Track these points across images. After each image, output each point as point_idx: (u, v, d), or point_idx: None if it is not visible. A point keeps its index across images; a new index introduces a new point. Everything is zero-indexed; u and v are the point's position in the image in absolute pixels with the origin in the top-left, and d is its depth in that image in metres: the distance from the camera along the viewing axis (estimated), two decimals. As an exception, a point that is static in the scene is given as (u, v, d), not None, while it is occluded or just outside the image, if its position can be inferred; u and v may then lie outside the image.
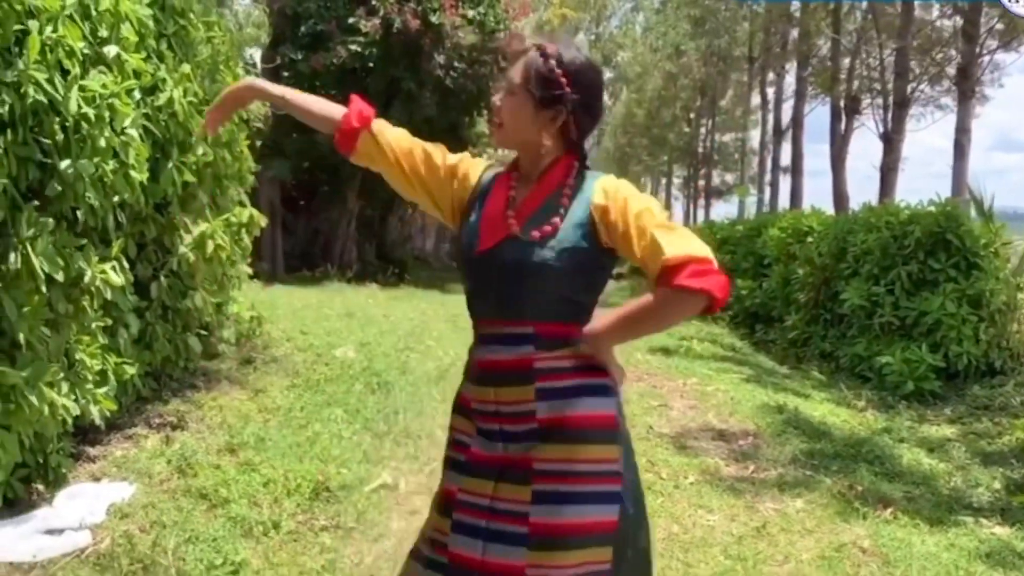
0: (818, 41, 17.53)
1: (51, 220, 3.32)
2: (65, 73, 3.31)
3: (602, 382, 1.86)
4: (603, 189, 1.83)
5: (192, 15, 4.89)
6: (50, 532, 3.28)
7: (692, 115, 39.24)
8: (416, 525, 3.67)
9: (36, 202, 3.28)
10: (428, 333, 8.12)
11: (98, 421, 3.90)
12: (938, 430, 6.29)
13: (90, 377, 3.83)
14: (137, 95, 4.00)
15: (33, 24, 3.10)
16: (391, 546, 3.49)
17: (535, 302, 1.81)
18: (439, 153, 2.01)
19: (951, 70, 13.27)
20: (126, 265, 4.14)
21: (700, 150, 39.87)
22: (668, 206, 50.83)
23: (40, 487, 3.63)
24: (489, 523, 1.78)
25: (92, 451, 4.14)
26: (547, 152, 1.86)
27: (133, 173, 3.84)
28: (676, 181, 49.42)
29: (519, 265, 1.79)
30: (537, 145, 1.86)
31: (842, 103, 16.01)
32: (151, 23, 4.27)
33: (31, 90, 3.04)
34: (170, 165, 4.46)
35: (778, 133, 22.35)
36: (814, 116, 39.30)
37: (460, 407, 1.98)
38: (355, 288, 12.76)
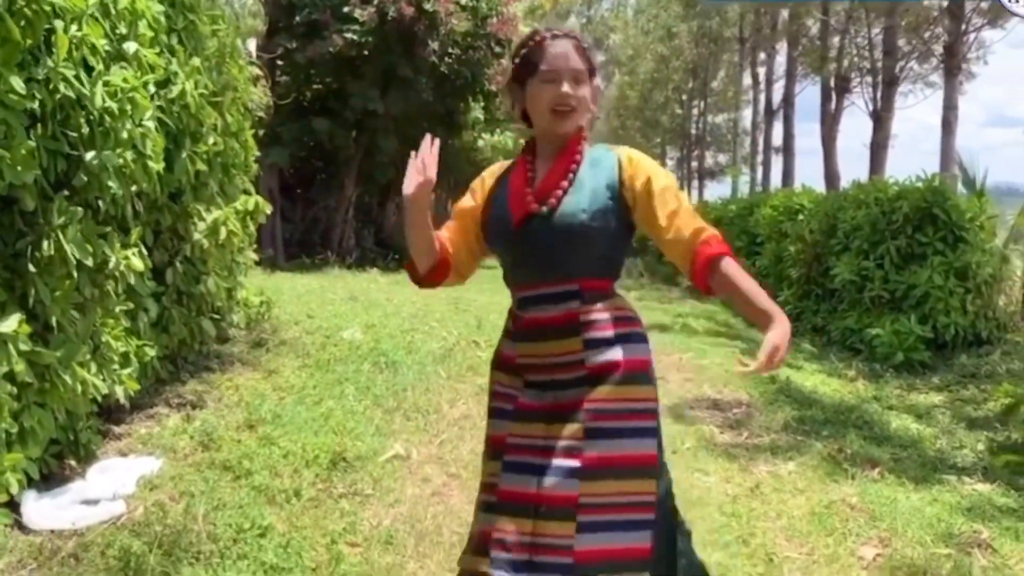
0: (807, 21, 17.68)
1: (80, 209, 3.51)
2: (89, 69, 3.50)
3: (638, 331, 2.15)
4: (628, 158, 2.12)
5: (200, 10, 5.07)
6: (86, 503, 3.48)
7: (684, 97, 39.32)
8: (428, 492, 3.93)
9: (66, 192, 3.47)
10: (431, 315, 8.32)
11: (123, 400, 4.11)
12: (926, 398, 6.53)
13: (115, 358, 4.05)
14: (151, 88, 4.18)
15: (58, 23, 3.28)
16: (406, 510, 3.72)
17: (577, 262, 2.07)
18: (458, 212, 2.25)
19: (939, 48, 13.43)
20: (144, 252, 4.35)
21: (693, 131, 40.00)
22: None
23: (72, 463, 3.83)
24: (543, 460, 1.99)
25: (117, 429, 4.34)
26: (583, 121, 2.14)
27: (150, 163, 4.02)
28: (669, 163, 49.46)
29: (557, 231, 2.04)
30: (589, 119, 2.16)
31: (832, 82, 16.19)
32: (163, 19, 4.46)
33: (61, 86, 3.22)
34: (184, 155, 4.64)
35: (769, 113, 22.53)
36: (805, 96, 39.40)
37: (503, 364, 2.19)
38: (356, 274, 12.94)
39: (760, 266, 11.40)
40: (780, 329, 1.95)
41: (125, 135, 3.68)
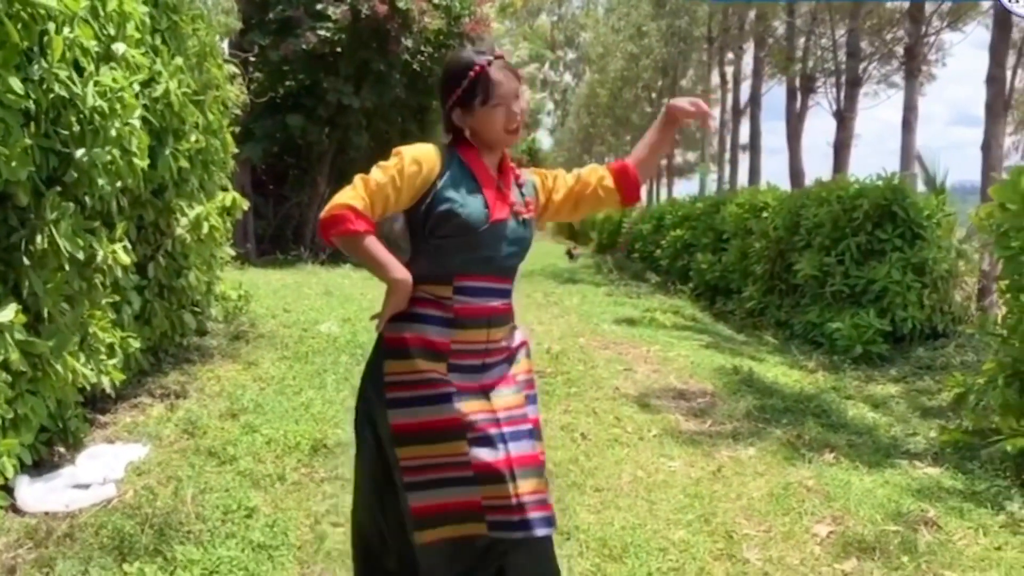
0: (774, 23, 17.99)
1: (71, 204, 3.65)
2: (80, 70, 3.63)
3: None
4: (540, 176, 2.55)
5: (182, 11, 5.20)
6: (78, 487, 3.63)
7: (654, 95, 39.60)
8: (407, 477, 4.08)
9: (58, 188, 3.61)
10: (404, 309, 8.48)
11: (109, 390, 4.26)
12: (883, 388, 6.78)
13: (102, 349, 4.19)
14: (136, 87, 4.31)
15: (52, 26, 3.41)
16: (386, 494, 3.88)
17: (517, 263, 2.39)
18: (397, 189, 2.25)
19: (900, 50, 13.76)
20: (128, 246, 4.48)
21: (662, 129, 40.22)
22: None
23: (61, 449, 3.97)
24: (500, 430, 2.24)
25: (103, 418, 4.48)
26: None
27: (136, 160, 4.16)
28: (639, 160, 49.76)
29: (522, 238, 2.35)
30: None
31: (797, 82, 16.52)
32: (148, 20, 4.59)
33: (55, 86, 3.36)
34: (167, 152, 4.79)
35: (737, 112, 22.85)
36: (772, 95, 39.96)
37: (428, 351, 2.26)
38: (329, 270, 13.04)
39: (726, 262, 11.65)
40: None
41: (113, 133, 3.82)
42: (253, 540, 3.25)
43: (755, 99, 19.69)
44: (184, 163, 4.98)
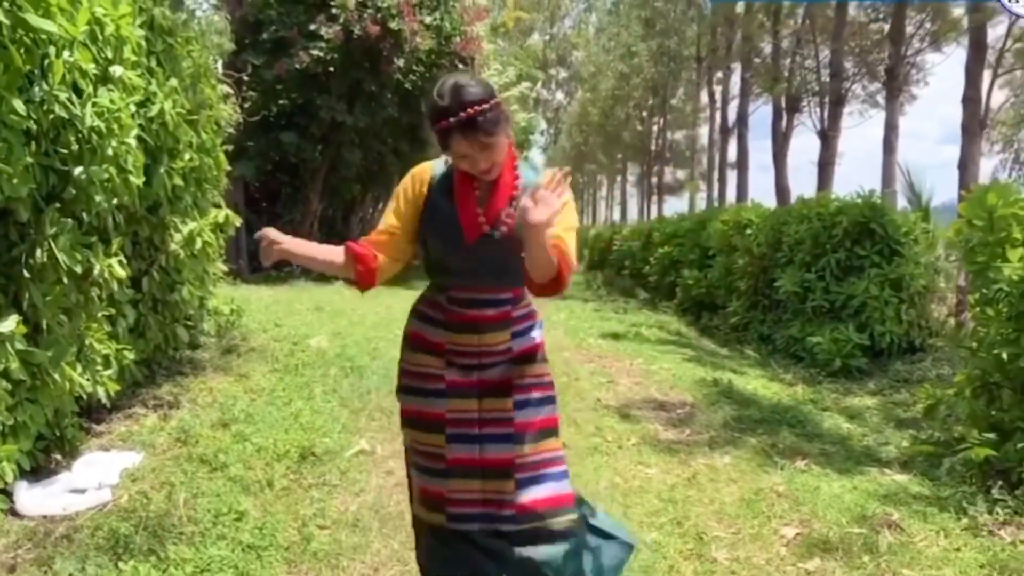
0: (760, 44, 18.28)
1: (69, 220, 3.81)
2: (79, 92, 3.80)
3: (539, 320, 2.56)
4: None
5: (176, 33, 5.38)
6: (74, 491, 3.77)
7: (645, 114, 40.02)
8: (392, 483, 4.25)
9: (57, 204, 3.77)
10: (394, 323, 8.61)
11: (104, 400, 4.39)
12: (860, 401, 6.95)
13: (98, 360, 4.33)
14: (132, 108, 4.48)
15: (51, 50, 3.58)
16: (371, 498, 4.03)
17: (514, 275, 2.35)
18: (393, 213, 2.42)
19: (882, 71, 14.03)
20: (123, 261, 4.63)
21: (653, 148, 40.70)
22: (623, 203, 51.66)
23: (58, 457, 4.11)
24: (481, 430, 2.38)
25: (98, 427, 4.62)
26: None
27: (132, 178, 4.32)
28: (631, 178, 50.28)
29: (505, 251, 2.32)
30: (506, 161, 2.36)
31: (783, 102, 16.80)
32: (143, 42, 4.76)
33: (56, 108, 3.53)
34: (162, 170, 4.95)
35: (725, 131, 23.16)
36: (759, 114, 40.37)
37: (426, 348, 2.47)
38: (320, 286, 13.17)
39: (712, 278, 11.83)
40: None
41: (110, 152, 3.98)
42: (243, 541, 3.39)
43: (742, 118, 19.99)
44: (178, 181, 5.14)
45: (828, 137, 14.21)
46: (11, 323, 3.37)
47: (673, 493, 4.28)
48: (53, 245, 3.68)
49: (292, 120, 15.53)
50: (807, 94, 16.48)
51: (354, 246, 2.38)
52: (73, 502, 3.66)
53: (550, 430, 2.48)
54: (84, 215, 4.09)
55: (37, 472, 3.90)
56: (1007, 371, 4.83)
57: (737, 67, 20.64)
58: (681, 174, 41.42)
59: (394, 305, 11.02)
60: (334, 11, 14.44)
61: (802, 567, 3.48)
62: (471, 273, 2.41)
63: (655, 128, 40.31)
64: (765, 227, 10.14)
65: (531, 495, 2.37)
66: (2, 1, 3.17)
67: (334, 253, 2.43)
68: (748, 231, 10.73)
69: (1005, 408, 4.86)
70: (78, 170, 3.81)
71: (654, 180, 41.58)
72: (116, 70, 4.14)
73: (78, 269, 3.84)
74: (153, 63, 5.04)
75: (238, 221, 6.46)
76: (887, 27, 13.16)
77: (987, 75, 11.73)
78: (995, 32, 12.79)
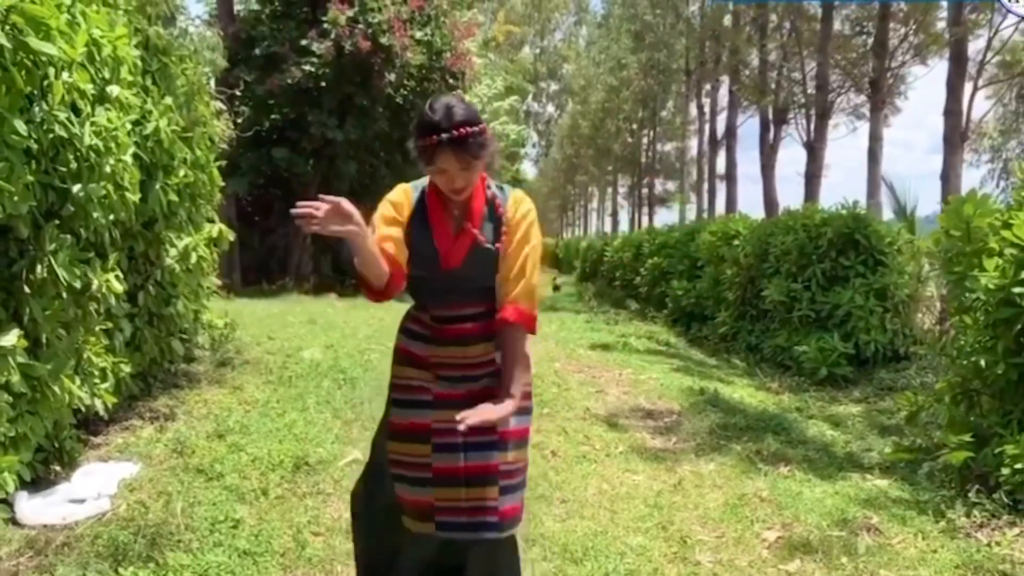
0: (747, 57, 18.50)
1: (68, 236, 3.91)
2: (77, 111, 3.91)
3: None
4: (514, 201, 2.51)
5: (171, 52, 5.50)
6: (73, 501, 3.85)
7: (634, 126, 40.26)
8: (384, 491, 4.31)
9: (56, 221, 3.87)
10: (386, 336, 8.72)
11: (102, 412, 4.49)
12: (845, 408, 7.07)
13: (96, 373, 4.42)
14: (129, 126, 4.59)
15: (51, 71, 3.69)
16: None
17: (489, 290, 2.48)
18: (391, 222, 2.46)
19: (867, 84, 14.22)
20: (120, 275, 4.73)
21: (643, 159, 40.94)
22: (614, 214, 51.87)
23: (56, 468, 4.19)
24: (466, 439, 2.42)
25: (95, 439, 4.71)
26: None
27: (128, 194, 4.42)
28: (621, 190, 50.50)
29: (477, 269, 2.45)
30: (476, 184, 2.46)
31: (770, 114, 16.99)
32: (139, 62, 4.88)
33: (56, 127, 3.63)
34: (157, 186, 5.05)
35: (714, 143, 23.36)
36: (748, 126, 40.67)
37: (413, 362, 2.56)
38: (314, 299, 13.29)
39: (700, 289, 11.97)
40: (502, 407, 2.34)
41: (108, 169, 4.08)
42: (239, 548, 3.48)
43: (731, 130, 20.19)
44: (173, 197, 5.25)
45: (814, 149, 14.40)
46: (12, 337, 3.46)
47: (659, 499, 4.39)
48: (52, 261, 3.78)
49: (284, 135, 15.66)
50: (794, 106, 16.69)
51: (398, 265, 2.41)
52: (73, 511, 3.74)
53: (526, 440, 2.58)
54: (82, 231, 4.18)
55: (37, 483, 3.97)
56: (985, 377, 4.96)
57: (725, 80, 20.86)
58: (671, 185, 41.64)
59: (385, 318, 11.12)
60: (325, 27, 14.59)
61: (783, 569, 3.59)
62: (450, 293, 2.51)
63: (645, 140, 40.57)
64: (752, 238, 10.28)
65: (508, 502, 2.46)
66: (4, 25, 3.28)
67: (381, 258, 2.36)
68: (736, 242, 10.87)
69: (983, 414, 4.98)
70: (76, 187, 3.90)
71: (644, 191, 41.83)
72: (113, 90, 4.24)
73: (77, 284, 3.94)
74: (149, 82, 5.16)
75: (232, 235, 6.57)
76: (871, 40, 13.34)
77: (968, 87, 11.95)
78: (975, 45, 13.07)
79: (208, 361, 6.48)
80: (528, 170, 54.13)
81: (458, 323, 2.52)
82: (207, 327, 6.82)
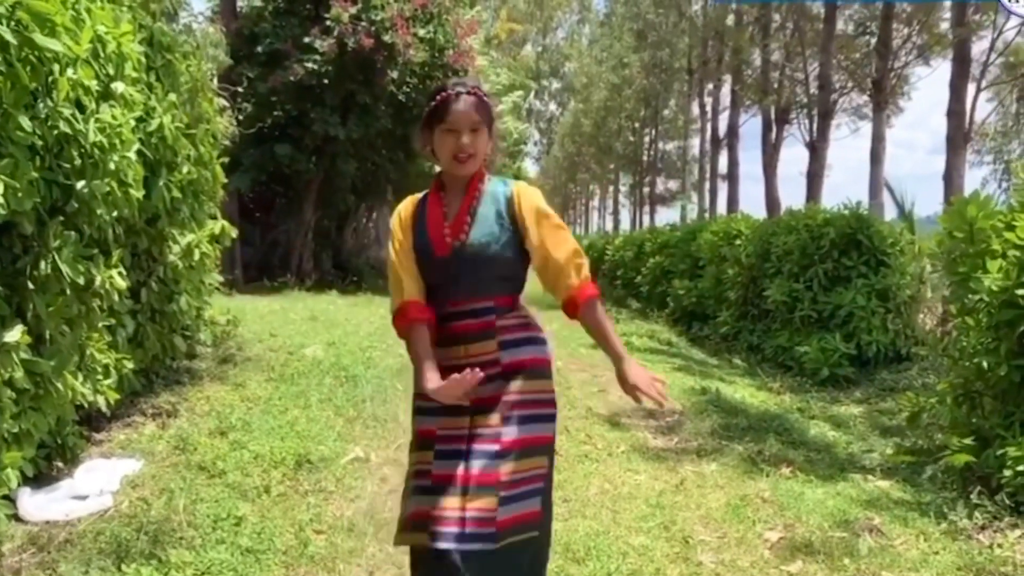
0: (750, 56, 18.48)
1: (72, 233, 3.91)
2: (82, 108, 3.91)
3: (540, 335, 2.60)
4: (518, 192, 2.53)
5: (175, 49, 5.49)
6: (76, 498, 3.86)
7: (636, 125, 40.23)
8: (386, 490, 4.35)
9: (60, 217, 3.87)
10: (388, 334, 8.66)
11: (104, 409, 4.48)
12: (846, 409, 7.07)
13: (99, 369, 4.42)
14: (133, 123, 4.58)
15: (56, 68, 3.69)
16: (366, 504, 4.13)
17: (489, 284, 2.49)
18: (399, 248, 2.57)
19: (869, 84, 14.21)
20: (123, 272, 4.73)
21: (645, 158, 40.92)
22: (616, 213, 51.86)
23: (59, 464, 4.20)
24: (469, 446, 2.39)
25: (98, 436, 4.71)
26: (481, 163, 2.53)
27: (132, 191, 4.42)
28: (623, 188, 50.46)
29: (471, 259, 2.46)
30: (484, 162, 2.54)
31: (772, 114, 16.98)
32: (143, 59, 4.88)
33: (61, 124, 3.63)
34: (161, 183, 5.05)
35: (716, 142, 23.34)
36: (750, 125, 40.69)
37: None
38: (315, 296, 13.28)
39: (702, 288, 11.97)
40: (634, 367, 2.47)
41: (112, 166, 4.08)
42: (241, 545, 3.49)
43: (733, 130, 20.19)
44: (176, 193, 5.24)
45: (817, 149, 14.39)
46: (16, 333, 3.46)
47: (661, 499, 4.39)
48: (56, 257, 3.77)
49: (286, 132, 15.64)
50: (796, 106, 16.67)
51: (413, 314, 2.51)
52: (75, 508, 3.75)
53: (543, 448, 2.50)
54: (86, 228, 4.18)
55: (39, 479, 3.98)
56: (987, 379, 4.96)
57: (728, 79, 20.85)
58: (673, 184, 41.62)
59: (387, 315, 11.11)
60: (328, 24, 14.57)
61: (785, 570, 3.59)
62: (447, 286, 2.51)
63: (647, 139, 40.54)
64: (754, 238, 10.28)
65: (509, 512, 2.37)
66: (9, 21, 3.28)
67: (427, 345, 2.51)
68: (738, 242, 10.87)
69: (985, 415, 4.99)
70: (80, 184, 3.90)
71: (646, 190, 41.81)
72: (118, 86, 4.24)
73: (80, 281, 3.94)
74: (153, 78, 5.15)
75: (234, 232, 6.57)
76: (874, 40, 13.33)
77: (971, 88, 11.94)
78: (980, 46, 13.06)
79: (210, 358, 6.48)
80: (530, 168, 54.11)
81: (458, 319, 2.50)
82: (209, 324, 6.82)
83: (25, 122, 3.37)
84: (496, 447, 2.39)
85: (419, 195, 2.65)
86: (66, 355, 3.94)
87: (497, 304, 2.51)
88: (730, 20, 20.16)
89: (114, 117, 4.08)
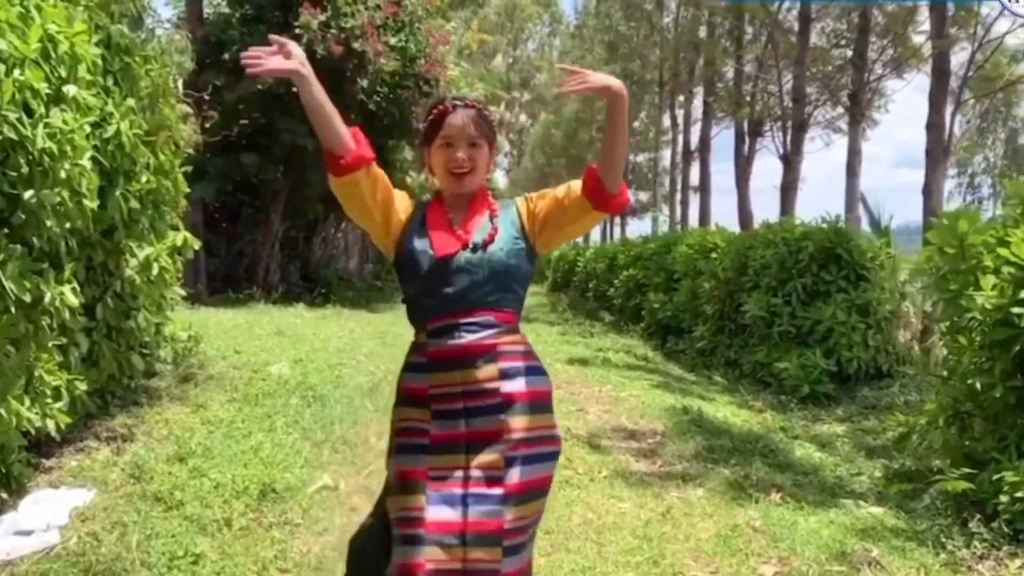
0: (723, 68, 18.46)
1: (18, 246, 3.62)
2: (30, 112, 3.63)
3: (541, 364, 2.39)
4: (523, 200, 2.44)
5: (135, 52, 5.21)
6: (19, 533, 3.56)
7: (607, 136, 40.17)
8: (356, 521, 4.04)
9: (5, 230, 3.58)
10: (358, 349, 8.46)
11: (54, 433, 4.18)
12: (829, 428, 6.92)
13: (48, 392, 4.12)
14: (87, 129, 4.31)
15: (1, 68, 3.41)
16: (335, 539, 3.86)
17: (495, 296, 2.29)
18: (388, 183, 2.40)
19: (844, 97, 14.20)
20: (76, 288, 4.44)
21: (616, 170, 40.80)
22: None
23: (3, 495, 3.89)
24: (466, 490, 2.16)
25: (47, 462, 4.40)
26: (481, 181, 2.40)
27: (85, 201, 4.14)
28: (594, 200, 50.31)
29: (484, 267, 2.28)
30: (485, 179, 2.42)
31: (746, 126, 16.94)
32: (100, 61, 4.59)
33: (5, 129, 3.35)
34: (117, 193, 4.76)
35: (687, 154, 23.32)
36: (722, 137, 40.98)
37: (410, 399, 2.34)
38: (282, 309, 12.93)
39: (677, 302, 11.79)
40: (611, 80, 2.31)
41: (63, 175, 3.80)
42: (199, 587, 3.21)
43: (705, 142, 20.16)
44: (134, 204, 4.96)
45: (790, 161, 14.33)
46: (-47, 356, 3.17)
47: (648, 529, 4.17)
48: (0, 273, 3.49)
49: (253, 141, 15.31)
50: (770, 119, 16.64)
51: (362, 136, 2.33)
52: (17, 545, 3.46)
53: (545, 489, 2.30)
54: (35, 240, 3.89)
55: (-20, 512, 3.69)
56: (980, 401, 4.80)
57: (699, 91, 20.83)
58: (644, 196, 41.67)
59: (357, 329, 10.87)
60: (297, 31, 14.27)
61: (783, 608, 3.38)
62: (444, 293, 2.29)
63: (618, 151, 40.44)
64: (731, 251, 10.14)
65: (514, 564, 2.16)
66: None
67: (345, 130, 2.30)
68: (714, 255, 10.73)
69: (977, 438, 4.83)
70: (28, 194, 3.63)
71: (616, 202, 41.69)
72: (70, 89, 3.96)
73: (27, 298, 3.65)
74: (110, 82, 4.87)
75: (197, 244, 6.28)
76: (849, 53, 13.31)
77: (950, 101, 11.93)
78: (957, 59, 13.06)
79: (170, 376, 6.17)
80: (500, 179, 54.04)
81: (456, 333, 2.26)
82: (169, 340, 6.50)
83: (-36, 126, 3.10)
84: (499, 491, 2.17)
85: (418, 202, 2.50)
86: (11, 378, 3.65)
87: (498, 319, 2.30)
88: (703, 32, 20.18)
89: (65, 122, 3.81)
